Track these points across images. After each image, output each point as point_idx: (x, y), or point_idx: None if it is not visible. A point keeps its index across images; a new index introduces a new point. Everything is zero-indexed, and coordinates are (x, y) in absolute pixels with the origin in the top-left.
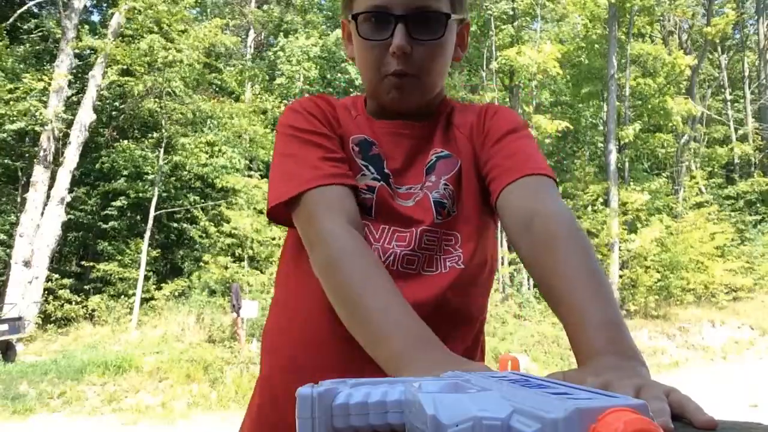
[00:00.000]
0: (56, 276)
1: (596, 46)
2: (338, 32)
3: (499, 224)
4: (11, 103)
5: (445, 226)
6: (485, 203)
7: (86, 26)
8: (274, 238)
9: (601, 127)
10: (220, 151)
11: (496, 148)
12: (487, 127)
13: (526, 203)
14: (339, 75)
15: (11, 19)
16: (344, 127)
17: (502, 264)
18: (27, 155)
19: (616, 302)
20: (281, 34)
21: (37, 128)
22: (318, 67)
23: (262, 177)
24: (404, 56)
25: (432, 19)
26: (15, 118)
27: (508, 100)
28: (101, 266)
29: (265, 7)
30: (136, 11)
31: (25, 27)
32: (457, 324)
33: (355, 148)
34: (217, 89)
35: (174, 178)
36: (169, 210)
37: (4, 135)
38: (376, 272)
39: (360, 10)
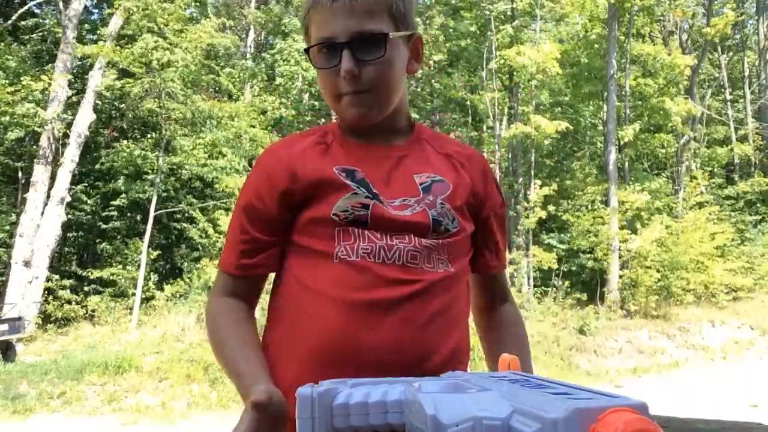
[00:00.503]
0: (56, 276)
1: (596, 46)
2: None
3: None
4: (12, 103)
5: (442, 238)
6: (470, 231)
7: (86, 26)
8: None
9: (601, 127)
10: (219, 152)
11: (494, 219)
12: (489, 188)
13: (499, 297)
14: None
15: (11, 19)
16: (316, 162)
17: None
18: (27, 155)
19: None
20: (279, 36)
21: (36, 128)
22: None
23: None
24: (353, 78)
25: (373, 41)
26: (16, 119)
27: (507, 100)
28: (101, 266)
29: (263, 7)
30: (131, 11)
31: (25, 24)
32: (450, 317)
33: (341, 174)
34: (216, 90)
35: (174, 179)
36: (169, 210)
37: (12, 142)
38: (237, 324)
39: (311, 44)
